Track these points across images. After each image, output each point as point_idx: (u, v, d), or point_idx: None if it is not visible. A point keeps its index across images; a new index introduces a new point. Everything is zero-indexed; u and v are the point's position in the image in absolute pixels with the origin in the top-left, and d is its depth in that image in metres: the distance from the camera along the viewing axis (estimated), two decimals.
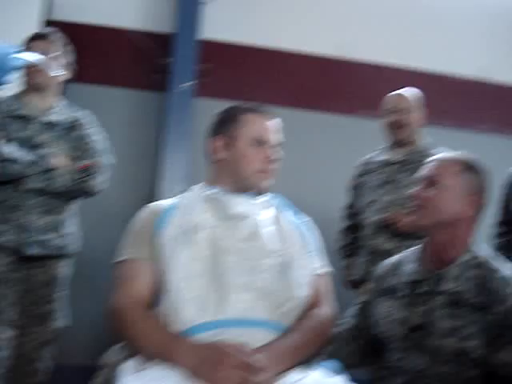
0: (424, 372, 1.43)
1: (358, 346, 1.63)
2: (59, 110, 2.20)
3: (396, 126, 2.51)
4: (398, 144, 2.54)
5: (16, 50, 1.44)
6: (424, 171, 1.55)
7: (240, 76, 3.44)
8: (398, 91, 2.60)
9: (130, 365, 1.17)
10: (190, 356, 1.14)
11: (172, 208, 1.42)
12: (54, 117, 2.16)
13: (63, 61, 2.21)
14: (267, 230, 1.41)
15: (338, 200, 2.79)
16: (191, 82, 3.26)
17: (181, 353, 1.16)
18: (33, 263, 2.10)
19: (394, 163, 2.50)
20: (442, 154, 1.60)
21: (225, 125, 1.52)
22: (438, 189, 1.49)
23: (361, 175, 2.64)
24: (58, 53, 2.16)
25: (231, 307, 1.25)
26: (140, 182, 3.31)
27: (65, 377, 2.55)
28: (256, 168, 1.47)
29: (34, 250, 2.07)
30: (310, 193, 3.34)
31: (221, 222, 1.39)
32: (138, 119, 3.45)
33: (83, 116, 2.25)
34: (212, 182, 1.51)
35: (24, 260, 2.09)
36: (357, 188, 2.66)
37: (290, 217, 1.50)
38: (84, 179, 2.11)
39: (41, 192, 2.06)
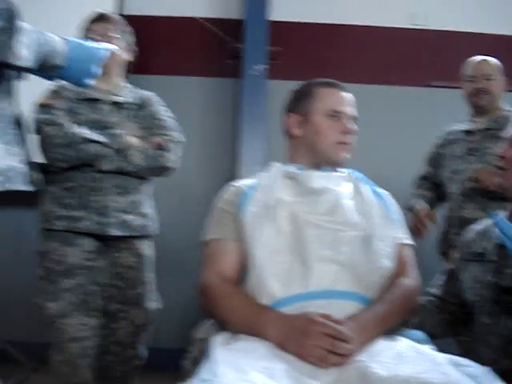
0: None
1: (444, 317, 1.63)
2: (126, 91, 2.19)
3: (479, 93, 2.44)
4: (480, 112, 2.47)
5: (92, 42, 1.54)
6: (506, 132, 1.53)
7: (311, 55, 3.44)
8: (479, 57, 2.52)
9: (220, 338, 1.22)
10: (279, 326, 1.18)
11: (253, 187, 1.46)
12: (121, 97, 2.15)
13: (123, 43, 2.18)
14: (348, 203, 1.42)
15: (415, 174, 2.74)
16: (263, 65, 3.29)
17: (269, 324, 1.20)
18: (118, 246, 2.10)
19: (477, 132, 2.44)
20: None
21: (299, 101, 1.55)
22: None
23: (442, 146, 2.59)
24: (117, 35, 2.14)
25: (315, 280, 1.27)
26: (219, 166, 3.41)
27: (159, 361, 2.61)
28: (333, 140, 1.48)
29: (117, 231, 2.06)
30: (387, 167, 3.32)
31: (301, 198, 1.41)
32: (214, 106, 3.53)
33: (150, 96, 2.24)
34: (290, 159, 1.54)
35: (108, 244, 2.10)
36: (438, 159, 2.60)
37: (370, 190, 1.51)
38: (158, 157, 2.09)
39: (117, 173, 2.05)
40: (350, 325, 1.19)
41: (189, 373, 1.20)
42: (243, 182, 1.52)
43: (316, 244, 1.32)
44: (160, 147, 2.10)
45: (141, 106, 2.17)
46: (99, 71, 1.46)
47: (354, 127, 1.52)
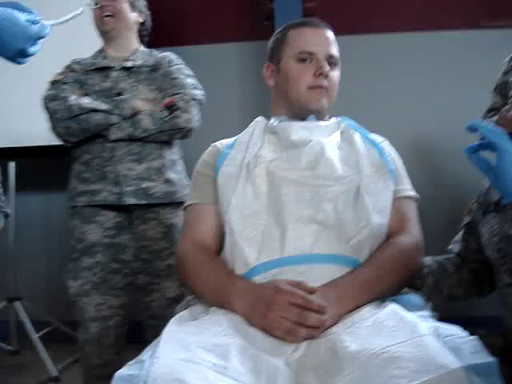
0: None
1: (464, 275, 1.44)
2: (139, 55, 2.10)
3: None
4: None
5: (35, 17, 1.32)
6: None
7: (348, 8, 3.22)
8: None
9: (183, 315, 1.13)
10: (245, 297, 1.08)
11: (231, 145, 1.34)
12: (133, 62, 2.07)
13: (133, 2, 2.12)
14: (333, 154, 1.26)
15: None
16: None
17: (236, 295, 1.09)
18: (143, 217, 2.02)
19: None
20: None
21: (273, 48, 1.42)
22: None
23: (509, 72, 2.29)
24: None
25: (292, 243, 1.14)
26: None
27: None
28: (306, 85, 1.33)
29: (134, 200, 1.97)
30: (440, 121, 3.07)
31: (281, 154, 1.28)
32: (254, 71, 3.41)
33: (166, 56, 2.13)
34: (271, 112, 1.41)
35: (134, 216, 2.03)
36: (504, 87, 2.31)
37: (362, 138, 1.34)
38: (170, 117, 1.97)
39: (129, 140, 1.96)
40: (326, 293, 1.06)
41: None
42: (223, 141, 1.40)
43: (293, 203, 1.18)
44: (172, 107, 1.98)
45: (154, 67, 2.08)
46: (35, 50, 1.30)
47: (327, 68, 1.34)
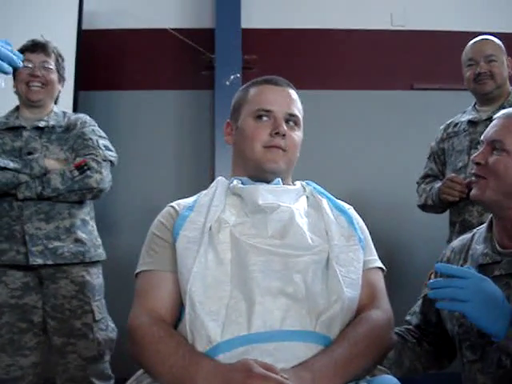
0: (509, 374, 1.17)
1: (425, 348, 1.40)
2: (54, 116, 2.12)
3: (481, 78, 2.15)
4: (486, 100, 2.20)
5: None
6: (487, 133, 1.29)
7: (288, 62, 3.25)
8: (478, 38, 2.23)
9: None
10: (211, 381, 0.97)
11: (190, 207, 1.25)
12: (48, 122, 2.08)
13: (61, 73, 2.16)
14: (302, 221, 1.20)
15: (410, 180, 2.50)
16: (237, 75, 3.11)
17: (200, 377, 0.98)
18: (54, 276, 1.99)
19: (482, 122, 2.13)
20: (506, 110, 1.31)
21: (234, 106, 1.38)
22: (501, 155, 1.24)
23: (445, 140, 2.30)
24: (53, 66, 2.10)
25: (260, 318, 1.05)
26: (196, 180, 3.20)
27: None
28: (262, 144, 1.27)
29: (42, 260, 1.95)
30: (369, 175, 3.14)
31: (246, 218, 1.20)
32: (190, 119, 3.36)
33: (81, 117, 2.15)
34: (232, 172, 1.35)
35: (44, 276, 2.00)
36: (440, 154, 2.32)
37: (330, 205, 1.28)
38: (82, 177, 1.98)
39: (38, 198, 1.96)
40: (300, 375, 0.97)
41: None
42: (182, 202, 1.30)
43: (262, 274, 1.09)
44: (83, 167, 1.99)
45: (67, 128, 2.10)
46: None
47: (284, 128, 1.28)
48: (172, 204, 1.30)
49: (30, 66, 2.04)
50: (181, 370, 1.02)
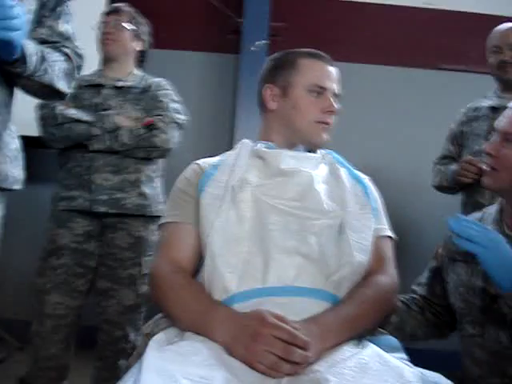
0: (506, 350, 1.24)
1: (427, 317, 1.46)
2: (133, 77, 2.25)
3: (505, 66, 2.18)
4: (508, 87, 2.22)
5: None
6: (500, 122, 1.32)
7: (316, 32, 3.25)
8: (506, 24, 2.24)
9: (160, 338, 1.06)
10: (227, 327, 1.03)
11: (216, 166, 1.31)
12: (126, 83, 2.21)
13: (136, 32, 2.27)
14: (321, 187, 1.25)
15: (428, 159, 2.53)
16: (264, 41, 3.13)
17: (217, 323, 1.05)
18: (114, 226, 2.13)
19: (503, 108, 2.14)
20: None
21: (278, 71, 1.39)
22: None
23: (465, 123, 2.33)
24: (129, 24, 2.23)
25: (275, 274, 1.11)
26: (217, 144, 3.25)
27: None
28: (313, 118, 1.33)
29: (106, 209, 2.09)
30: (389, 151, 3.18)
31: (268, 180, 1.25)
32: (213, 82, 3.39)
33: (158, 81, 2.27)
34: (263, 136, 1.39)
35: (106, 224, 2.13)
36: (459, 137, 2.35)
37: (348, 174, 1.34)
38: (149, 135, 2.10)
39: (108, 152, 2.09)
40: (309, 328, 1.03)
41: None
42: (207, 160, 1.36)
43: (280, 233, 1.16)
44: (150, 126, 2.11)
45: (144, 89, 2.22)
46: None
47: (336, 107, 1.36)
48: (197, 162, 1.36)
49: (106, 27, 2.21)
50: (199, 315, 1.08)
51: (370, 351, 1.02)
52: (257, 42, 3.11)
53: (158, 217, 2.12)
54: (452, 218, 1.15)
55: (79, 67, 1.42)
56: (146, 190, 2.16)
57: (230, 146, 3.09)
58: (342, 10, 3.33)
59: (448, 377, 1.02)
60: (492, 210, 1.39)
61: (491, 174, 1.31)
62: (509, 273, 1.12)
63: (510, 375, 1.23)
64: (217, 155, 1.40)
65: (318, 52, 1.41)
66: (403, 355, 1.09)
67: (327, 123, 1.35)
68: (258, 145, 1.34)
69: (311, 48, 1.43)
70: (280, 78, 1.38)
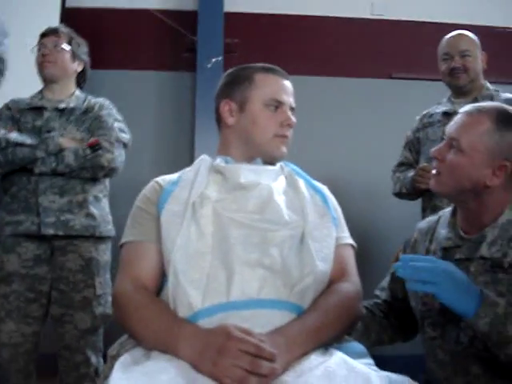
0: (467, 350, 1.26)
1: (391, 322, 1.48)
2: (75, 98, 2.25)
3: (455, 72, 2.24)
4: (460, 93, 2.29)
5: None
6: (449, 126, 1.35)
7: (268, 47, 3.30)
8: (454, 32, 2.31)
9: (125, 359, 1.06)
10: (192, 343, 1.03)
11: (175, 182, 1.31)
12: (69, 105, 2.21)
13: (75, 53, 2.27)
14: (280, 199, 1.27)
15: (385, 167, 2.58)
16: (219, 58, 3.15)
17: (182, 340, 1.04)
18: (64, 249, 2.10)
19: (456, 113, 2.26)
20: (471, 105, 1.36)
21: (236, 86, 1.40)
22: (456, 153, 1.29)
23: (419, 129, 2.40)
24: (67, 46, 2.23)
25: (239, 287, 1.12)
26: (176, 162, 3.24)
27: None
28: (272, 132, 1.35)
29: (54, 231, 2.07)
30: (346, 161, 3.22)
31: (228, 194, 1.26)
32: (170, 101, 3.39)
33: (100, 101, 2.28)
34: (222, 151, 1.40)
35: (54, 248, 2.11)
36: (415, 143, 2.42)
37: (306, 184, 1.36)
38: (94, 155, 2.10)
39: (52, 173, 2.09)
40: (275, 340, 1.04)
41: None
42: (166, 178, 1.36)
43: (241, 246, 1.16)
44: (95, 146, 2.11)
45: (87, 110, 2.23)
46: None
47: (293, 120, 1.38)
48: (157, 179, 1.36)
49: (44, 49, 2.20)
50: (164, 333, 1.08)
51: (337, 359, 1.03)
52: (213, 59, 3.12)
53: (108, 237, 2.18)
54: (399, 265, 1.15)
55: (1, 71, 1.43)
56: (94, 210, 2.16)
57: (190, 163, 3.08)
58: (293, 25, 3.38)
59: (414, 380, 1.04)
60: (447, 213, 1.43)
61: (437, 178, 1.34)
62: (467, 298, 1.14)
63: (474, 373, 1.26)
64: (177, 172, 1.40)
65: (273, 66, 1.44)
66: (370, 361, 1.11)
67: (285, 136, 1.37)
68: (218, 160, 1.35)
69: (265, 63, 1.45)
70: (237, 93, 1.39)
